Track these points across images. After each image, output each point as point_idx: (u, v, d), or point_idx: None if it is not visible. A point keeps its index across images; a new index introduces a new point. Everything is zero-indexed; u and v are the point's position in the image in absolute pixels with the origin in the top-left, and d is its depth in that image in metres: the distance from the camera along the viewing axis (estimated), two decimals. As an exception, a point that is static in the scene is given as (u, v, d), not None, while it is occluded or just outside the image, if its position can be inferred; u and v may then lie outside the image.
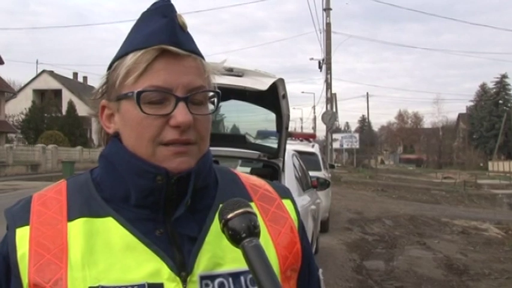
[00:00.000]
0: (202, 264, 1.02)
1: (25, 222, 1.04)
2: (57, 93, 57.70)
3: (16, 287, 1.01)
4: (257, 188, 1.16)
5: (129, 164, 1.04)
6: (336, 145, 44.50)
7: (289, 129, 6.06)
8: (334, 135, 40.76)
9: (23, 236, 1.02)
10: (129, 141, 1.05)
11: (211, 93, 1.08)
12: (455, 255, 10.24)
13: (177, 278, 1.00)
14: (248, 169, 6.42)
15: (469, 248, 11.15)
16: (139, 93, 1.01)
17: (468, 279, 8.42)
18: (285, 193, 1.19)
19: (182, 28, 1.06)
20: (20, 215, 1.06)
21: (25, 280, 1.00)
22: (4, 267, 1.03)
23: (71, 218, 1.04)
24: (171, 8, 1.07)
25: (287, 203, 1.17)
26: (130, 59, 1.03)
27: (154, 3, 1.08)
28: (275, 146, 5.39)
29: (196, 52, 1.07)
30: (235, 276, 1.03)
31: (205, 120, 1.06)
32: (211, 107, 1.09)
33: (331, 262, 9.14)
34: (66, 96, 56.39)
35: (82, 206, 1.05)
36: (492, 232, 13.57)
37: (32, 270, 0.99)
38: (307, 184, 7.39)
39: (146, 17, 1.07)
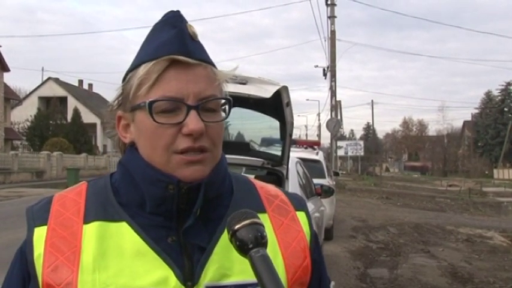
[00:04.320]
0: (209, 275, 1.03)
1: (43, 222, 1.07)
2: (63, 100, 57.88)
3: (34, 286, 1.05)
4: (272, 199, 1.17)
5: (143, 173, 1.07)
6: (340, 152, 44.41)
7: (294, 137, 6.07)
8: (339, 143, 40.71)
9: (40, 236, 1.06)
10: (144, 151, 1.08)
11: (223, 101, 1.10)
12: (460, 263, 10.20)
13: (183, 287, 1.02)
14: (252, 176, 6.39)
15: (473, 256, 11.10)
16: (151, 103, 1.03)
17: (473, 287, 8.38)
18: (300, 205, 1.19)
19: (192, 37, 1.08)
20: (40, 214, 1.09)
21: (40, 280, 1.03)
22: (26, 265, 1.07)
23: (87, 220, 1.07)
24: (181, 18, 1.09)
25: (301, 215, 1.17)
26: (142, 70, 1.06)
27: (165, 15, 1.11)
28: (279, 153, 5.40)
29: (207, 60, 1.09)
30: None
31: (218, 127, 1.08)
32: (223, 114, 1.11)
33: (335, 270, 9.12)
34: (72, 103, 56.55)
35: (98, 209, 1.08)
36: (497, 240, 13.50)
37: (45, 271, 1.03)
38: (311, 191, 7.39)
39: (157, 29, 1.10)
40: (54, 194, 1.14)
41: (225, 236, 1.04)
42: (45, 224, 1.07)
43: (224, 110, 1.10)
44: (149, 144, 1.06)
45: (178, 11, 1.10)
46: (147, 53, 1.08)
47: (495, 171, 68.89)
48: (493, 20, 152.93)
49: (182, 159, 1.04)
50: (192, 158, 1.04)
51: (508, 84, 77.79)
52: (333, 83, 30.64)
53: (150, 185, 1.06)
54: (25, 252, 1.07)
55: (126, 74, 1.10)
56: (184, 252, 1.05)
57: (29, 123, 49.78)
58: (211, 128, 1.05)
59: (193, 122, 1.02)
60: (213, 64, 1.10)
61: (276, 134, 5.33)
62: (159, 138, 1.04)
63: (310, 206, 6.71)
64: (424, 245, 12.21)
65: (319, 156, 13.27)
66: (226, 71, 1.14)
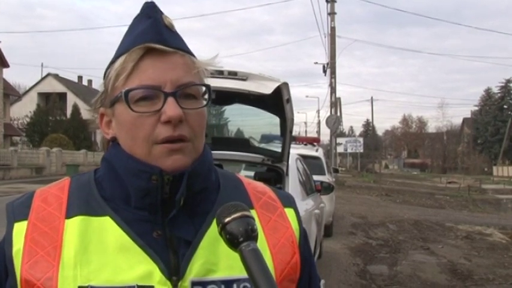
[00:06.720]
0: (194, 270, 1.01)
1: (24, 217, 1.05)
2: (62, 96, 57.77)
3: (12, 282, 1.02)
4: (260, 195, 1.16)
5: (126, 165, 1.05)
6: (340, 149, 44.45)
7: (294, 133, 6.06)
8: (339, 140, 40.68)
9: (19, 231, 1.03)
10: (125, 143, 1.06)
11: (204, 89, 1.08)
12: (459, 260, 10.21)
13: (168, 282, 0.99)
14: (252, 173, 6.42)
15: (473, 253, 11.11)
16: (127, 92, 1.02)
17: (472, 284, 8.39)
18: (289, 202, 1.18)
19: (168, 27, 1.07)
20: (20, 209, 1.07)
21: (18, 276, 1.00)
22: (4, 261, 1.04)
23: (69, 215, 1.04)
24: (155, 8, 1.08)
25: (289, 212, 1.15)
26: (118, 62, 1.05)
27: (141, 7, 1.10)
28: (279, 150, 5.38)
29: (184, 49, 1.07)
30: (228, 283, 1.02)
31: (198, 115, 1.06)
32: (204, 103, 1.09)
33: (335, 266, 9.13)
34: (71, 99, 56.45)
35: (81, 204, 1.06)
36: (496, 237, 13.52)
37: (24, 266, 1.00)
38: (311, 188, 7.38)
39: (134, 22, 1.09)
40: (36, 190, 1.11)
41: (211, 231, 1.03)
42: (26, 219, 1.04)
43: (205, 99, 1.09)
44: (130, 135, 1.04)
45: (152, 2, 1.09)
46: (124, 45, 1.07)
47: (494, 168, 68.92)
48: (493, 17, 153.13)
49: (162, 148, 1.02)
50: (172, 147, 1.02)
51: (508, 81, 77.69)
52: (333, 80, 30.65)
53: (134, 176, 1.04)
54: (3, 247, 1.04)
55: (106, 70, 1.09)
56: (170, 246, 1.03)
57: (28, 119, 49.74)
58: (191, 115, 1.04)
59: (171, 108, 1.00)
60: (191, 53, 1.09)
61: (276, 131, 5.33)
62: (138, 129, 1.02)
63: (310, 202, 6.70)
64: (424, 242, 12.23)
65: (319, 153, 13.28)
66: (205, 60, 1.11)
